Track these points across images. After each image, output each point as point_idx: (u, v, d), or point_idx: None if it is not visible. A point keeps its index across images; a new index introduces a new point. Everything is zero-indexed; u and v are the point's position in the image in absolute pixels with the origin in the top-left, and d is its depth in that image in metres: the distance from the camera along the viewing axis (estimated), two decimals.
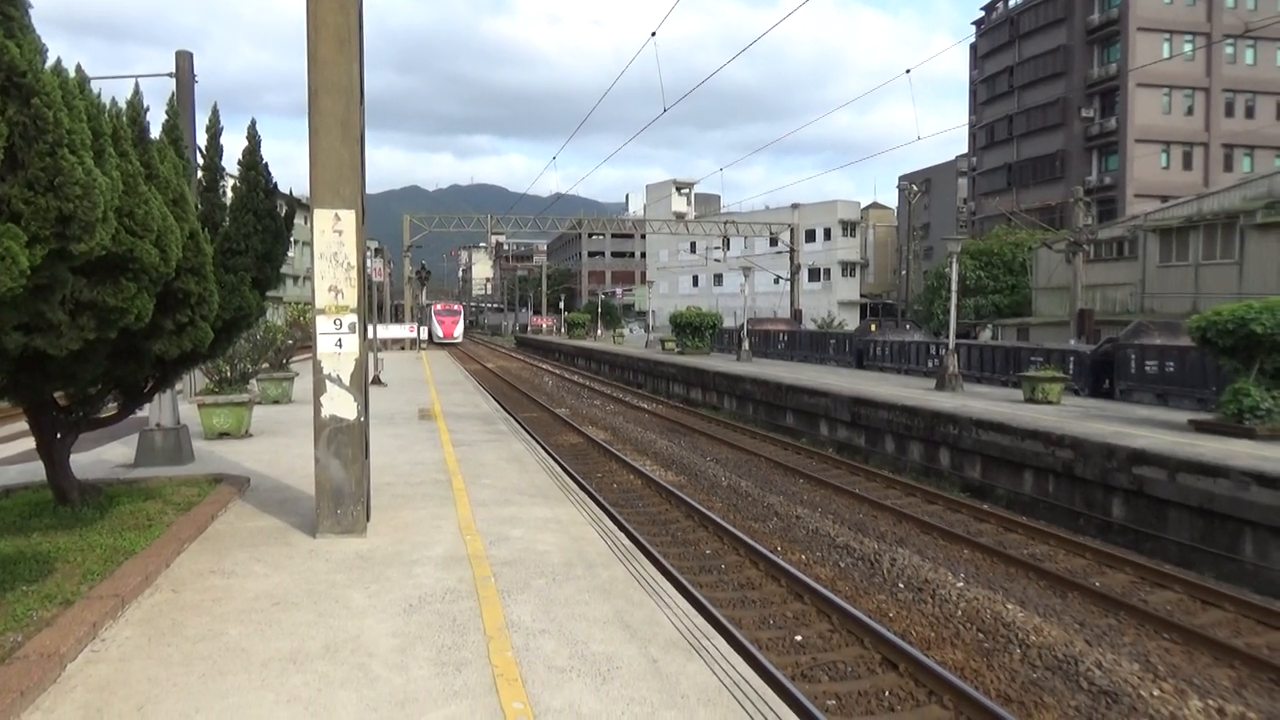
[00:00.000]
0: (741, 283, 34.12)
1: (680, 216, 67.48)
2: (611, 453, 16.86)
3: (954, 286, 20.85)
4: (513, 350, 67.20)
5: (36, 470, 8.39)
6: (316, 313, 6.86)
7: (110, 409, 7.93)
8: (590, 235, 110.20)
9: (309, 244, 6.94)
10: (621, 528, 10.36)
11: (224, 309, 7.17)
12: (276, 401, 17.72)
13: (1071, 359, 20.76)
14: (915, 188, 58.66)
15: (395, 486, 9.20)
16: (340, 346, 6.89)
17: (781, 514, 12.13)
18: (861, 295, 72.65)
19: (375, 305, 34.08)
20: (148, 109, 6.47)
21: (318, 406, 6.88)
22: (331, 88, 6.75)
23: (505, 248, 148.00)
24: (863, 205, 76.86)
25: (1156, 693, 6.53)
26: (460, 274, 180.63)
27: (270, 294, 8.36)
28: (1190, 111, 54.39)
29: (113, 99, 5.88)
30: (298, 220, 8.81)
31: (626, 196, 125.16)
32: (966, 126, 70.20)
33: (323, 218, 6.82)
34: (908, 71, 22.49)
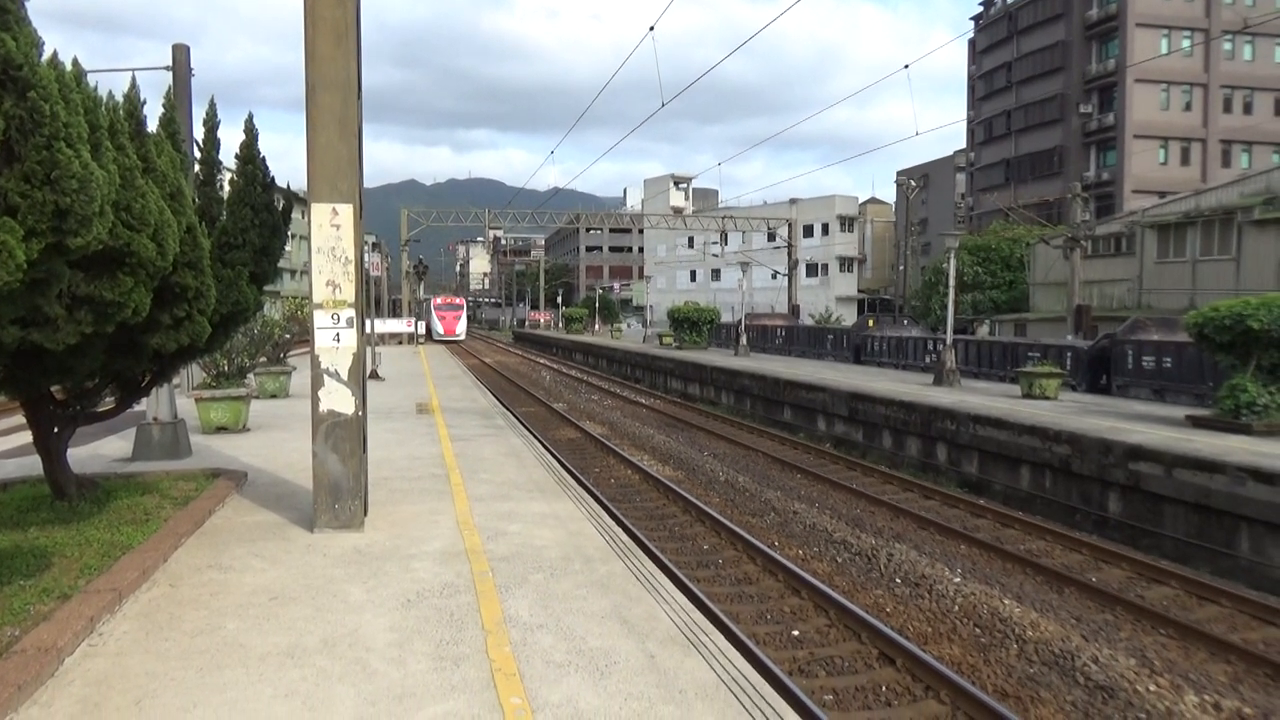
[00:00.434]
0: (739, 278, 34.12)
1: (678, 211, 67.34)
2: (609, 448, 16.86)
3: (951, 282, 20.86)
4: (510, 345, 67.13)
5: (33, 464, 8.38)
6: (314, 307, 6.85)
7: (107, 403, 7.92)
8: (588, 230, 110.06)
9: (306, 238, 6.93)
10: (619, 523, 10.37)
11: (221, 303, 7.16)
12: (274, 396, 17.70)
13: (1069, 355, 20.78)
14: (913, 183, 58.61)
15: (393, 481, 9.20)
16: (338, 341, 6.88)
17: (779, 509, 12.15)
18: (859, 291, 72.65)
19: (373, 300, 34.05)
20: (144, 102, 6.45)
21: (315, 401, 6.87)
22: (329, 82, 6.73)
23: (503, 242, 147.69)
24: (861, 200, 76.80)
25: (1153, 688, 6.55)
26: (458, 268, 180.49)
27: (268, 288, 8.35)
28: (1188, 107, 54.38)
29: (109, 92, 5.87)
30: (295, 214, 8.79)
31: (624, 191, 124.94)
32: (965, 122, 70.15)
33: (320, 212, 6.80)
34: (906, 67, 22.47)
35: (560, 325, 72.21)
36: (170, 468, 9.57)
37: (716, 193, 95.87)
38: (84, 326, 5.40)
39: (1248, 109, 54.48)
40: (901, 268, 51.68)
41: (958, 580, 8.98)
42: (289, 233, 8.16)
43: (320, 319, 6.85)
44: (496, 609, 5.28)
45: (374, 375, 22.65)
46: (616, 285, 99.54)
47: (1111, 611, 8.25)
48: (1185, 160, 54.51)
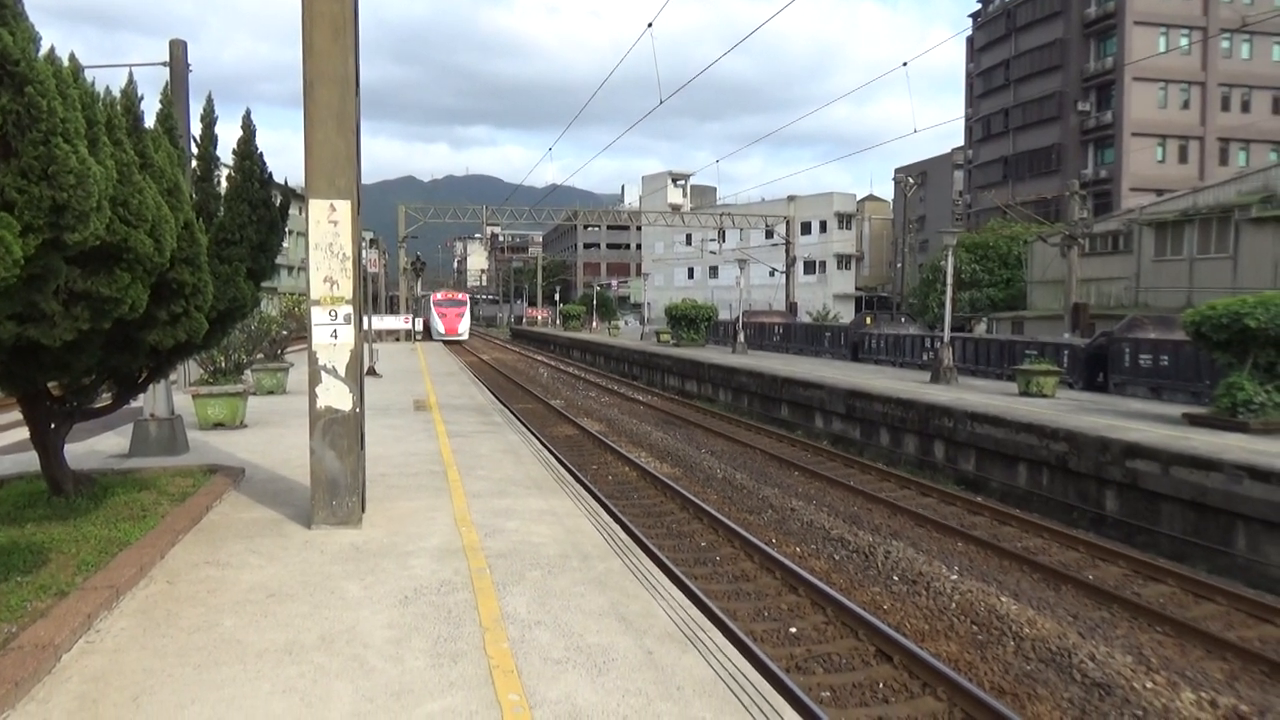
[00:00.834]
0: (737, 275, 34.13)
1: (676, 208, 67.36)
2: (607, 444, 16.86)
3: (949, 280, 20.87)
4: (508, 342, 67.12)
5: (30, 460, 8.36)
6: (312, 304, 6.84)
7: (104, 399, 7.90)
8: (586, 227, 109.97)
9: (304, 234, 6.92)
10: (617, 520, 10.38)
11: (219, 299, 7.14)
12: (271, 392, 17.69)
13: (1066, 353, 20.82)
14: (911, 180, 58.60)
15: (390, 478, 9.19)
16: (335, 337, 6.87)
17: (776, 506, 12.16)
18: (857, 288, 72.61)
19: (370, 296, 34.01)
20: (142, 98, 6.42)
21: (313, 397, 6.87)
22: (327, 78, 6.71)
23: (500, 239, 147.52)
24: (859, 198, 76.76)
25: (1149, 685, 6.57)
26: (455, 265, 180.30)
27: (265, 284, 8.33)
28: (1186, 105, 54.41)
29: (106, 88, 5.84)
30: (293, 210, 8.77)
31: (622, 188, 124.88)
32: (963, 120, 70.20)
33: (318, 208, 6.79)
34: (905, 65, 22.44)
35: (558, 322, 72.18)
36: (167, 464, 9.56)
37: (714, 190, 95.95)
38: (81, 322, 5.39)
39: (1245, 107, 54.52)
40: (899, 265, 51.67)
41: (955, 577, 8.99)
42: (286, 229, 8.14)
43: (318, 315, 6.85)
44: (494, 606, 5.28)
45: (371, 372, 22.63)
46: (614, 282, 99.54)
47: (1108, 609, 8.26)
48: (1183, 158, 54.56)
